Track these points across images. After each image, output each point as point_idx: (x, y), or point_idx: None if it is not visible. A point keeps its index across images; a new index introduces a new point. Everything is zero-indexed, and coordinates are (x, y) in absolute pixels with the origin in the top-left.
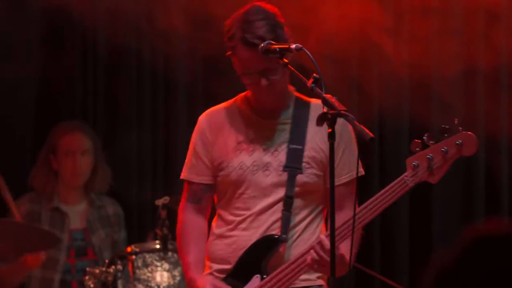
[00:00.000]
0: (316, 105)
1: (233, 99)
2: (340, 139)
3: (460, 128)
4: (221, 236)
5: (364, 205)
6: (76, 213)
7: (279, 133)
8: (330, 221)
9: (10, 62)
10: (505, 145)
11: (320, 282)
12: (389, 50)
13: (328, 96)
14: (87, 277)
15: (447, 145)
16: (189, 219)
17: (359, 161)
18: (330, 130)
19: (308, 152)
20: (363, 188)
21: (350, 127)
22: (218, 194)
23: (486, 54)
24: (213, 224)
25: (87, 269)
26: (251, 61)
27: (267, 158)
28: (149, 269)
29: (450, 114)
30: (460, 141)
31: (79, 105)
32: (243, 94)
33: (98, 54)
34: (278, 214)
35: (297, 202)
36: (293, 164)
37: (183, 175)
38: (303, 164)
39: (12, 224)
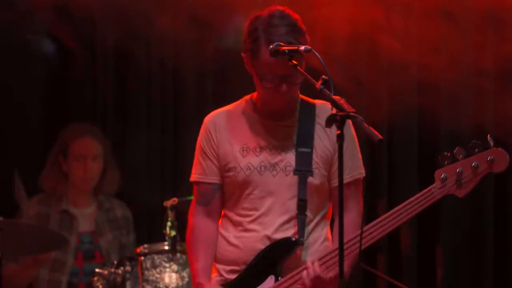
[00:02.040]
0: (321, 106)
1: (237, 102)
2: (345, 139)
3: (492, 144)
4: (228, 238)
5: (389, 213)
6: (85, 216)
7: (285, 135)
8: (338, 224)
9: (18, 64)
10: None
11: None
12: (398, 52)
13: (337, 97)
14: (95, 278)
15: (478, 160)
16: (199, 223)
17: (362, 162)
18: (339, 131)
19: (316, 154)
20: (371, 190)
21: (352, 128)
22: (224, 196)
23: (495, 55)
24: (220, 226)
25: (96, 270)
26: (276, 65)
27: (274, 158)
28: (158, 270)
29: (459, 115)
30: (492, 157)
31: (88, 107)
32: (248, 96)
33: (107, 56)
34: (286, 215)
35: (308, 204)
36: (303, 167)
37: (193, 177)
38: (313, 166)
39: (20, 225)
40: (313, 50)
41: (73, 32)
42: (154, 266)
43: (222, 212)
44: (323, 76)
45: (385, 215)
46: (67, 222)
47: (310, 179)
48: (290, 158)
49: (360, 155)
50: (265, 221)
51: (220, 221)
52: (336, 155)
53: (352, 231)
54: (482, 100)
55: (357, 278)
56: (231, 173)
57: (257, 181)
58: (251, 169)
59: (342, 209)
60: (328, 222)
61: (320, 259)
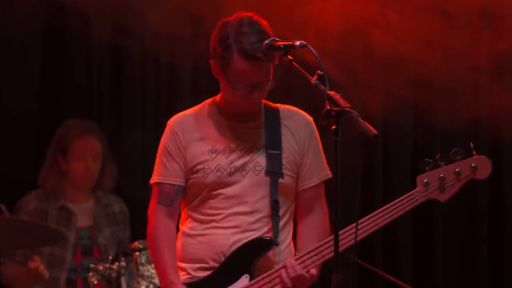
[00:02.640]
0: (284, 109)
1: (199, 105)
2: (310, 141)
3: (474, 151)
4: (196, 236)
5: (370, 216)
6: (83, 211)
7: (252, 136)
8: (334, 220)
9: (13, 60)
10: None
11: None
12: (393, 47)
13: (332, 93)
14: (90, 274)
15: (461, 166)
16: (161, 222)
17: (326, 163)
18: (334, 127)
19: (285, 156)
20: (367, 186)
21: (316, 129)
22: (188, 197)
23: (490, 50)
24: (183, 226)
25: (91, 265)
26: (248, 73)
27: (243, 159)
28: (153, 265)
29: (454, 111)
30: (475, 164)
31: (83, 102)
32: (209, 100)
33: (102, 52)
34: (256, 215)
35: (279, 204)
36: (274, 169)
37: (155, 179)
38: (283, 168)
39: (18, 221)
40: (308, 45)
41: (67, 28)
42: (149, 262)
43: (184, 214)
44: (318, 72)
45: (367, 217)
46: (65, 218)
47: (280, 180)
48: (259, 159)
49: (324, 156)
50: (235, 220)
51: (182, 222)
52: (304, 159)
53: (319, 232)
54: (477, 95)
55: (353, 274)
56: (199, 175)
57: (227, 182)
58: (221, 170)
59: (338, 208)
60: (292, 225)
61: (298, 258)
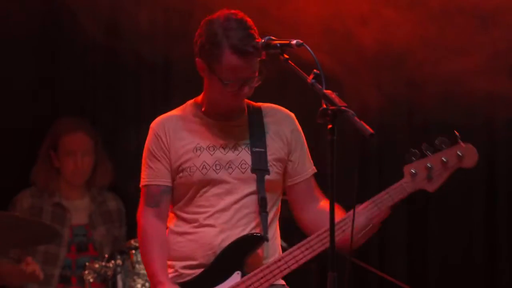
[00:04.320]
0: (266, 108)
1: (181, 106)
2: (296, 136)
3: (460, 140)
4: (183, 233)
5: (360, 207)
6: (78, 209)
7: (236, 134)
8: (330, 216)
9: (8, 57)
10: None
11: (282, 282)
12: (388, 47)
13: (328, 92)
14: (86, 272)
15: (448, 155)
16: (150, 223)
17: (310, 158)
18: (330, 126)
19: (270, 153)
20: (362, 182)
21: (298, 125)
22: (175, 197)
23: (486, 48)
24: (170, 224)
25: (87, 263)
26: (239, 68)
27: (228, 156)
28: None
29: (448, 105)
30: (461, 152)
31: (79, 100)
32: (191, 101)
33: (97, 50)
34: (243, 211)
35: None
36: (260, 166)
37: (142, 182)
38: (269, 165)
39: (12, 217)
40: (304, 44)
41: (62, 28)
42: None
43: (171, 214)
44: (314, 70)
45: (357, 209)
46: (59, 215)
47: (267, 177)
48: (244, 156)
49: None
50: (222, 217)
51: (169, 221)
52: (294, 154)
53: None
54: (472, 94)
55: (349, 272)
56: (185, 173)
57: (214, 179)
58: (206, 168)
59: (333, 205)
60: (278, 221)
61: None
